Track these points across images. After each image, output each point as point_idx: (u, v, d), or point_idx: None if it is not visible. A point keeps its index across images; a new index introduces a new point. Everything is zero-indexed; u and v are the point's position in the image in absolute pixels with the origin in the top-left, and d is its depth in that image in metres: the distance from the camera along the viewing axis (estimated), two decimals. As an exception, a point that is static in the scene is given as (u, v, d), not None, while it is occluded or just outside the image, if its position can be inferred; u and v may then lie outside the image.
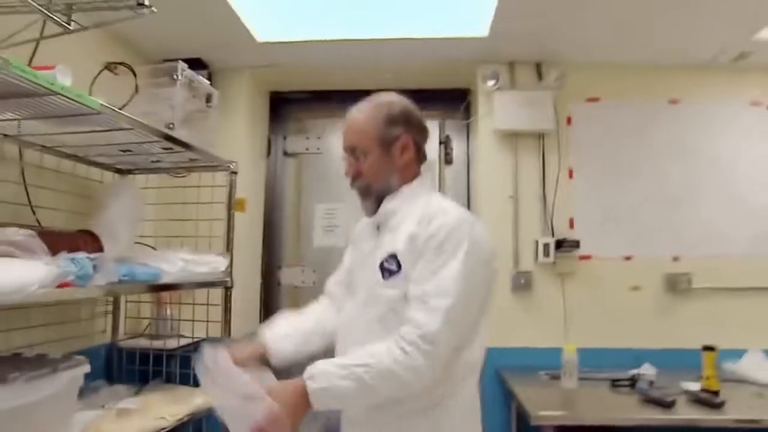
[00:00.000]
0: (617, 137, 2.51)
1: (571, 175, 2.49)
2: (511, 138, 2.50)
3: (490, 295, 1.16)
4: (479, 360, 1.17)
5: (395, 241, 1.14)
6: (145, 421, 1.56)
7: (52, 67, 1.23)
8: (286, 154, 3.03)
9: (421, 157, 1.25)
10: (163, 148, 1.79)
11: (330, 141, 2.98)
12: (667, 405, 1.80)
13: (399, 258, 1.12)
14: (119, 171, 2.12)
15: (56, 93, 1.21)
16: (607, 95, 2.52)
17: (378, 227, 1.23)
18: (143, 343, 2.16)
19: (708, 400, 1.83)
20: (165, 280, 1.69)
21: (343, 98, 2.89)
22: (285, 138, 3.04)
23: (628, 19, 2.09)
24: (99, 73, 1.77)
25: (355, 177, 1.22)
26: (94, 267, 1.33)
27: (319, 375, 1.01)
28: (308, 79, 2.88)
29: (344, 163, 1.25)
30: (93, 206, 1.89)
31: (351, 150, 1.22)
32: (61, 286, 1.19)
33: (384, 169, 1.19)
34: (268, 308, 2.91)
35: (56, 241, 1.34)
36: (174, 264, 1.75)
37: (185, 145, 1.77)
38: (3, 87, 1.14)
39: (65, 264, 1.24)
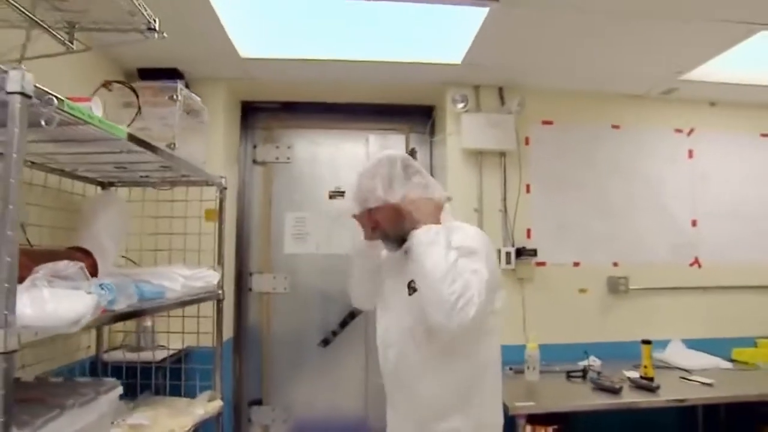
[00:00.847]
0: (568, 156, 2.82)
1: (528, 190, 2.77)
2: (477, 156, 2.73)
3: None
4: (499, 323, 1.43)
5: None
6: (157, 434, 1.61)
7: (86, 99, 1.26)
8: (255, 162, 3.07)
9: None
10: (161, 166, 1.81)
11: (299, 150, 3.05)
12: (616, 391, 2.13)
13: None
14: (101, 184, 2.09)
15: (91, 124, 1.24)
16: (560, 119, 2.83)
17: (406, 251, 1.43)
18: (130, 356, 2.13)
19: (646, 385, 2.18)
20: (169, 297, 1.73)
21: (313, 109, 3.06)
22: (255, 147, 3.06)
23: (579, 56, 2.40)
24: (96, 91, 1.75)
25: (374, 228, 1.46)
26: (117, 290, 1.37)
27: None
28: (281, 91, 2.93)
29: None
30: (79, 221, 1.86)
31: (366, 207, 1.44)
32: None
33: (395, 217, 1.42)
34: (239, 314, 2.95)
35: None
36: (175, 281, 1.77)
37: (183, 164, 1.81)
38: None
39: (97, 290, 1.27)
